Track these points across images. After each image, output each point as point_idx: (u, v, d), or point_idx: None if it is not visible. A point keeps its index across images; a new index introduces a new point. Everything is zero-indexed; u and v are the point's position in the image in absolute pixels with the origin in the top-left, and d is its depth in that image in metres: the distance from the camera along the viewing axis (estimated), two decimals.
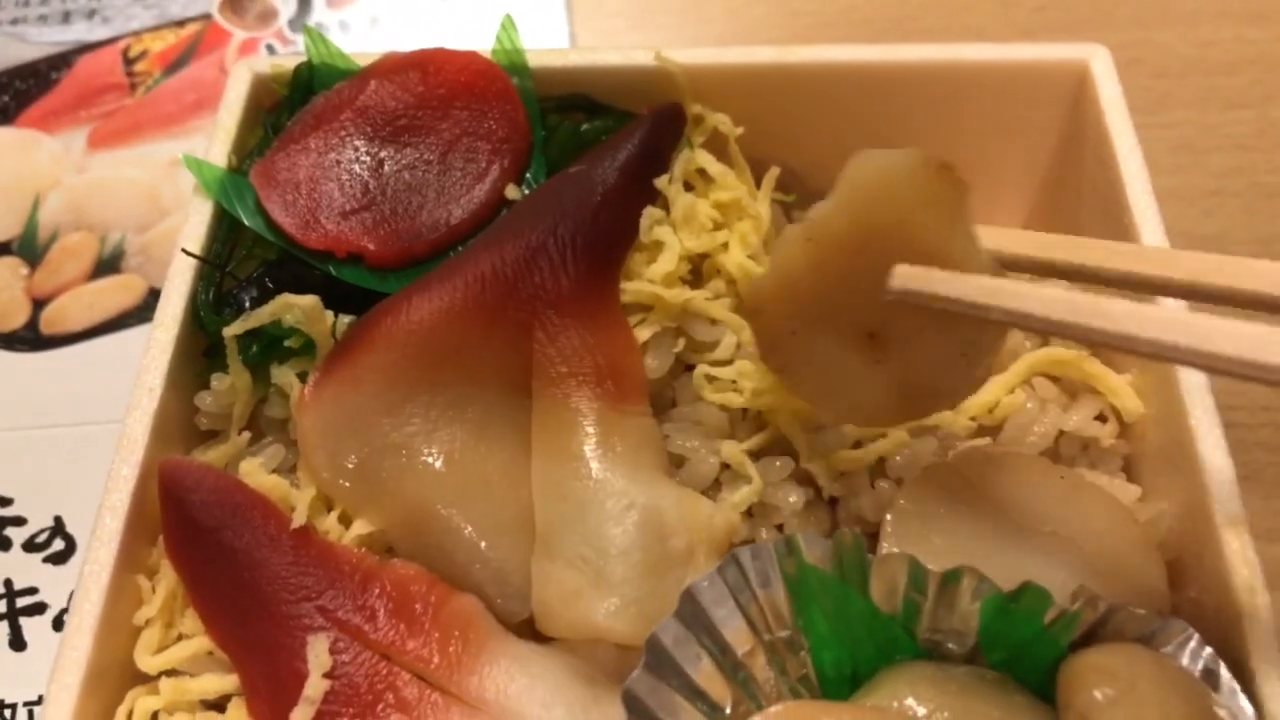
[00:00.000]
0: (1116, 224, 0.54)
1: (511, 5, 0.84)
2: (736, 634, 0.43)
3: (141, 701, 0.44)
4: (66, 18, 0.85)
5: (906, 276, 0.43)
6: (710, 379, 0.51)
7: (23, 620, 0.61)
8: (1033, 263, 0.45)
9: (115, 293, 0.73)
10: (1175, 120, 0.79)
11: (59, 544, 0.63)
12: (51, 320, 0.72)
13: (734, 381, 0.50)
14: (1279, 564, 0.60)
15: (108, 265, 0.74)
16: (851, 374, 0.46)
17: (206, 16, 0.85)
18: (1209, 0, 0.85)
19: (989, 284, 0.41)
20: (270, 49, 0.84)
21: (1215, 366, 0.34)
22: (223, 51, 0.84)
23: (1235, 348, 0.33)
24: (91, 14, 0.85)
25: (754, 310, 0.47)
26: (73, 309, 0.72)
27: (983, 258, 0.43)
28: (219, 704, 0.45)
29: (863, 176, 0.44)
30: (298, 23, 0.85)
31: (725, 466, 0.51)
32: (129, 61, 0.83)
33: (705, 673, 0.42)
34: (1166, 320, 0.35)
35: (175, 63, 0.83)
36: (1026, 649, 0.42)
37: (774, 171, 0.58)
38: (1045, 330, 0.45)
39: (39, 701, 0.57)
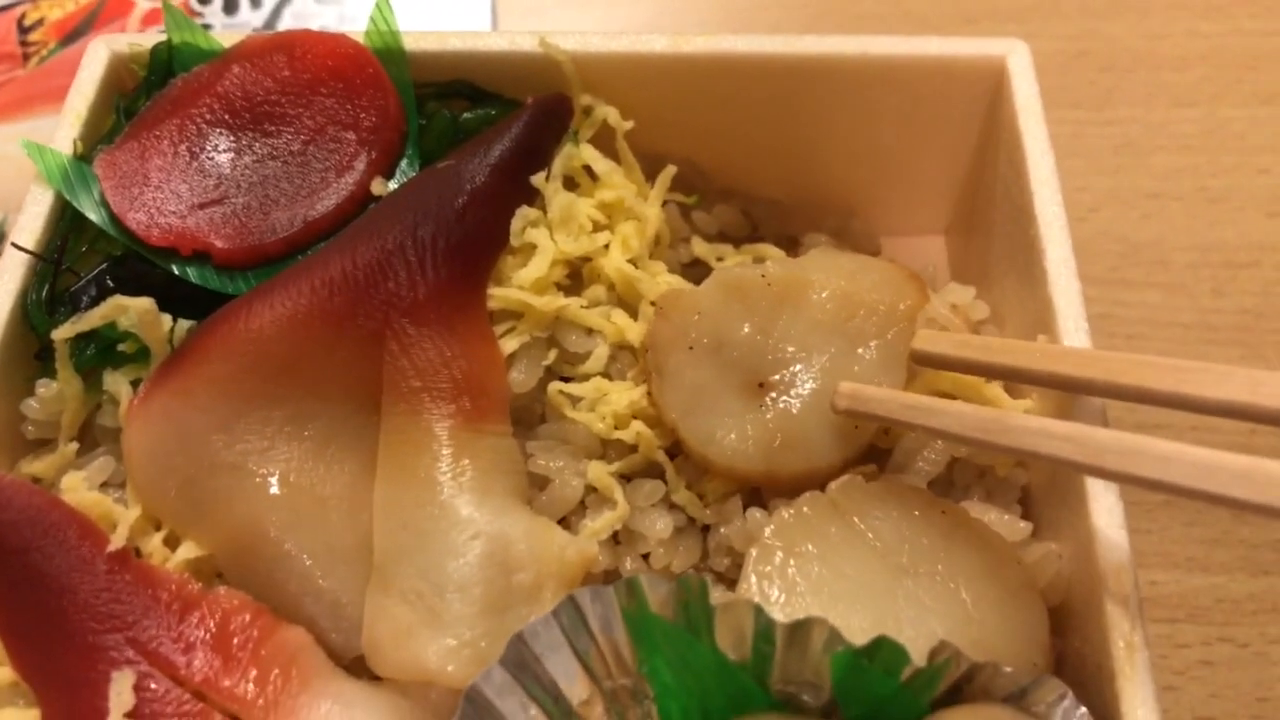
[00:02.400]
0: (1023, 234, 0.50)
1: None
2: (571, 681, 0.39)
3: None
4: None
5: (849, 397, 0.45)
6: (568, 396, 0.47)
7: None
8: (966, 364, 0.45)
9: None
10: (1120, 117, 0.75)
11: None
12: None
13: (594, 401, 0.47)
14: (1197, 594, 0.58)
15: None
16: (725, 408, 0.47)
17: None
18: None
19: (913, 401, 0.44)
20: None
21: (1108, 478, 0.40)
22: (125, 21, 0.80)
23: (1122, 464, 0.36)
24: None
25: (661, 312, 0.48)
26: None
27: (899, 372, 0.47)
28: None
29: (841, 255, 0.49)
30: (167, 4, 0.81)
31: (592, 490, 0.47)
32: (24, 30, 0.79)
33: None
34: (1066, 435, 0.38)
35: (73, 32, 0.79)
36: (884, 706, 0.39)
37: (669, 170, 0.54)
38: (964, 443, 0.45)
39: None
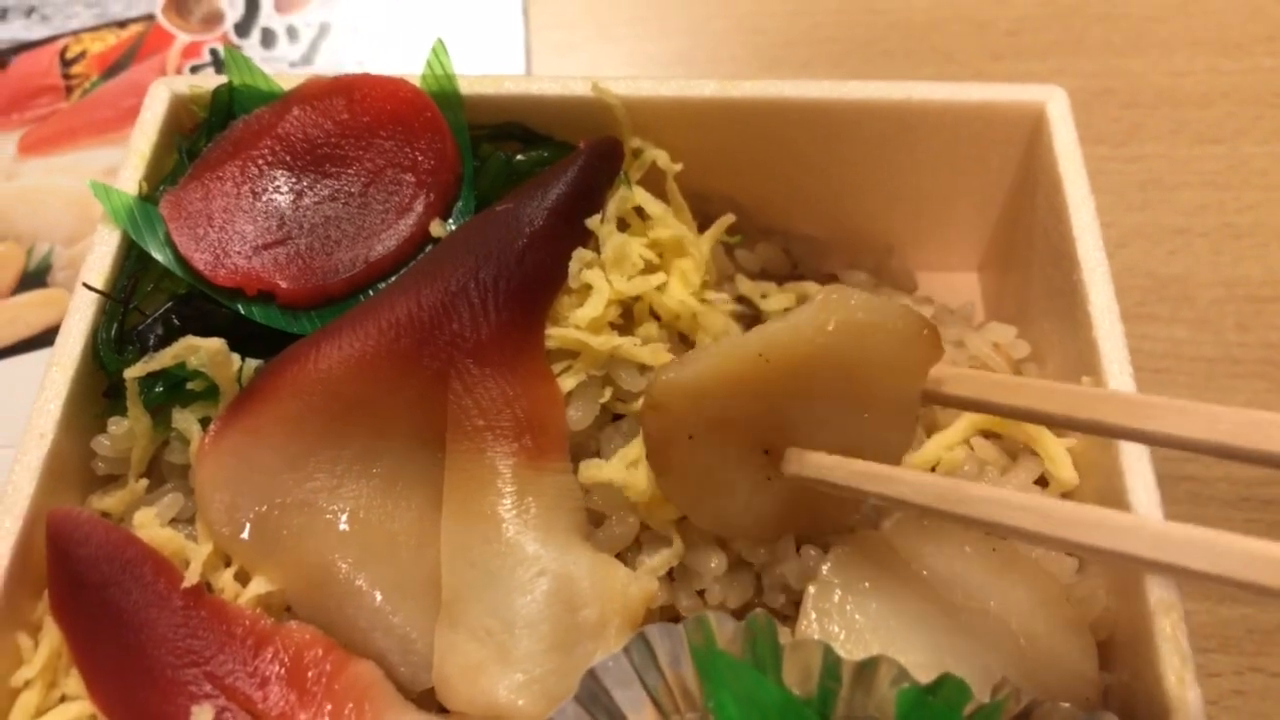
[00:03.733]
0: (1065, 277, 0.51)
1: (468, 17, 0.82)
2: (640, 715, 0.40)
3: None
4: (4, 14, 0.82)
5: (796, 464, 0.44)
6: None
7: None
8: (972, 403, 0.44)
9: (40, 308, 0.70)
10: (1145, 154, 0.77)
11: None
12: None
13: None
14: (1228, 625, 0.59)
15: (33, 279, 0.71)
16: (736, 490, 0.45)
17: (150, 17, 0.82)
18: (1183, 29, 0.82)
19: (863, 469, 0.42)
20: (214, 54, 0.81)
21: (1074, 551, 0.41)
22: (165, 55, 0.81)
23: (1087, 537, 0.35)
24: (30, 11, 0.82)
25: (655, 406, 0.44)
26: None
27: (910, 427, 0.45)
28: None
29: (842, 311, 0.42)
30: (245, 26, 0.83)
31: (646, 527, 0.49)
32: (66, 63, 0.80)
33: None
34: (1027, 507, 0.37)
35: (115, 65, 0.80)
36: None
37: (728, 217, 0.56)
38: (920, 511, 0.44)
39: None
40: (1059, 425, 0.44)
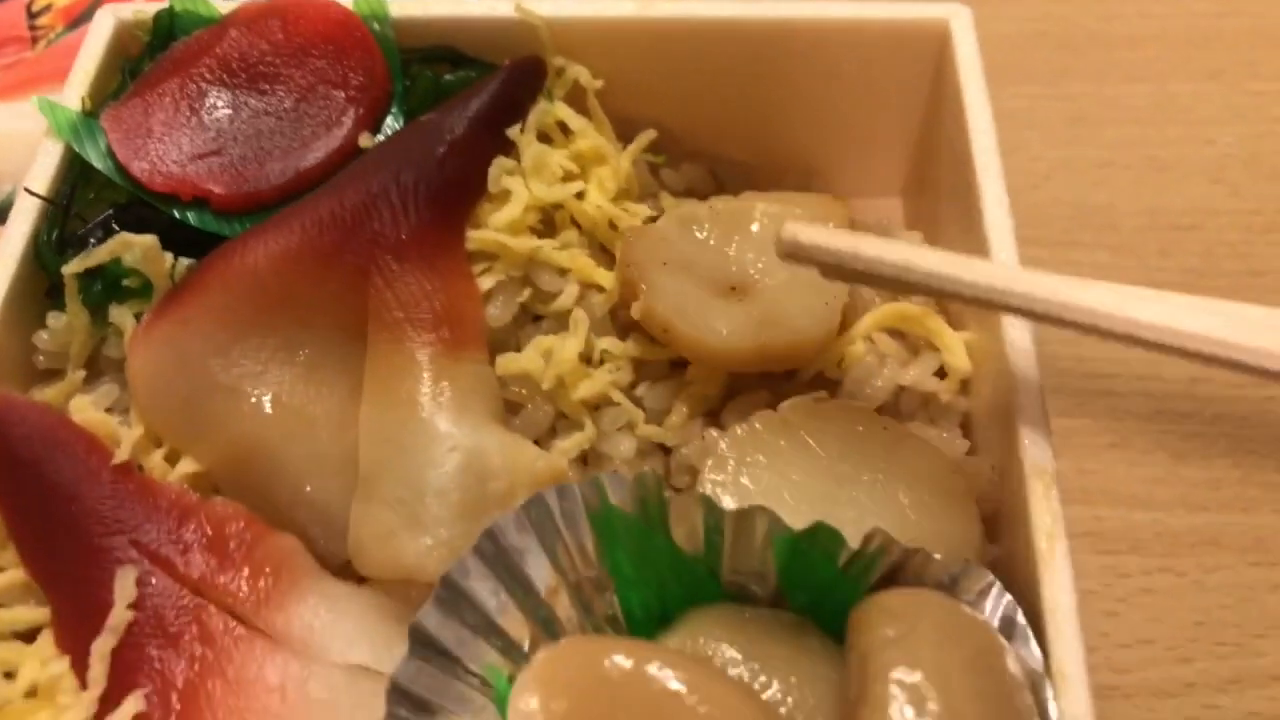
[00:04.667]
0: (964, 183, 0.54)
1: None
2: (539, 573, 0.43)
3: None
4: None
5: (792, 241, 0.45)
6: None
7: None
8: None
9: None
10: (1074, 93, 0.79)
11: None
12: None
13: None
14: (1139, 529, 0.62)
15: None
16: (711, 304, 0.51)
17: None
18: None
19: (853, 238, 0.44)
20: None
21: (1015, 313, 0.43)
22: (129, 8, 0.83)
23: (1028, 304, 0.41)
24: None
25: (632, 239, 0.52)
26: None
27: None
28: (29, 635, 0.45)
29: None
30: None
31: (562, 416, 0.51)
32: (32, 15, 0.83)
33: (503, 611, 0.42)
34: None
35: (79, 18, 0.83)
36: (827, 593, 0.42)
37: (649, 133, 0.58)
38: (888, 284, 0.47)
39: None
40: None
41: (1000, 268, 0.41)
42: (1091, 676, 0.56)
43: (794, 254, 0.45)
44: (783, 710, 0.39)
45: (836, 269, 0.44)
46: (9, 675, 0.43)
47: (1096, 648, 0.58)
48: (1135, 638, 0.58)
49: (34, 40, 0.82)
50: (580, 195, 0.55)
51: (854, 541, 0.41)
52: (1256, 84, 0.79)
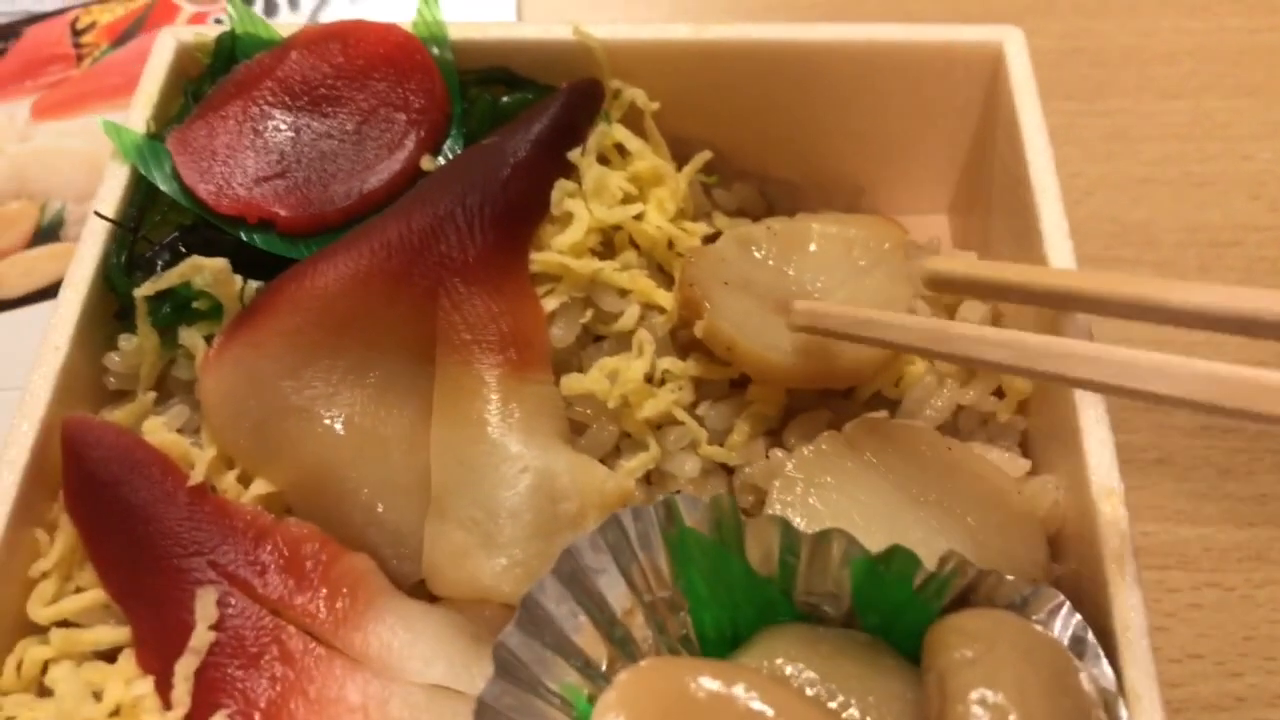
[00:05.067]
0: (1019, 201, 0.54)
1: None
2: (615, 593, 0.43)
3: (32, 651, 0.45)
4: None
5: (805, 315, 0.49)
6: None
7: None
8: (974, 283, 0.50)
9: (53, 260, 0.73)
10: (1111, 109, 0.80)
11: None
12: None
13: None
14: (1187, 544, 0.62)
15: (47, 233, 0.75)
16: (772, 322, 0.51)
17: None
18: None
19: (863, 315, 0.48)
20: (218, 23, 0.84)
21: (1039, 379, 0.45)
22: (171, 25, 0.84)
23: (1052, 366, 0.40)
24: None
25: (693, 259, 0.53)
26: (10, 275, 0.73)
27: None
28: (110, 655, 0.46)
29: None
30: None
31: (626, 435, 0.52)
32: (77, 33, 0.84)
33: (581, 630, 0.43)
34: (999, 341, 0.42)
35: (123, 35, 0.84)
36: (899, 613, 0.43)
37: (704, 155, 0.59)
38: (911, 351, 0.50)
39: None
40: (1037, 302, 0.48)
41: (1021, 335, 0.42)
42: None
43: (806, 329, 0.49)
44: None
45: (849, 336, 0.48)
46: (94, 696, 0.44)
47: None
48: (1184, 653, 0.59)
49: (79, 58, 0.82)
50: (639, 216, 0.55)
51: (927, 563, 0.41)
52: None
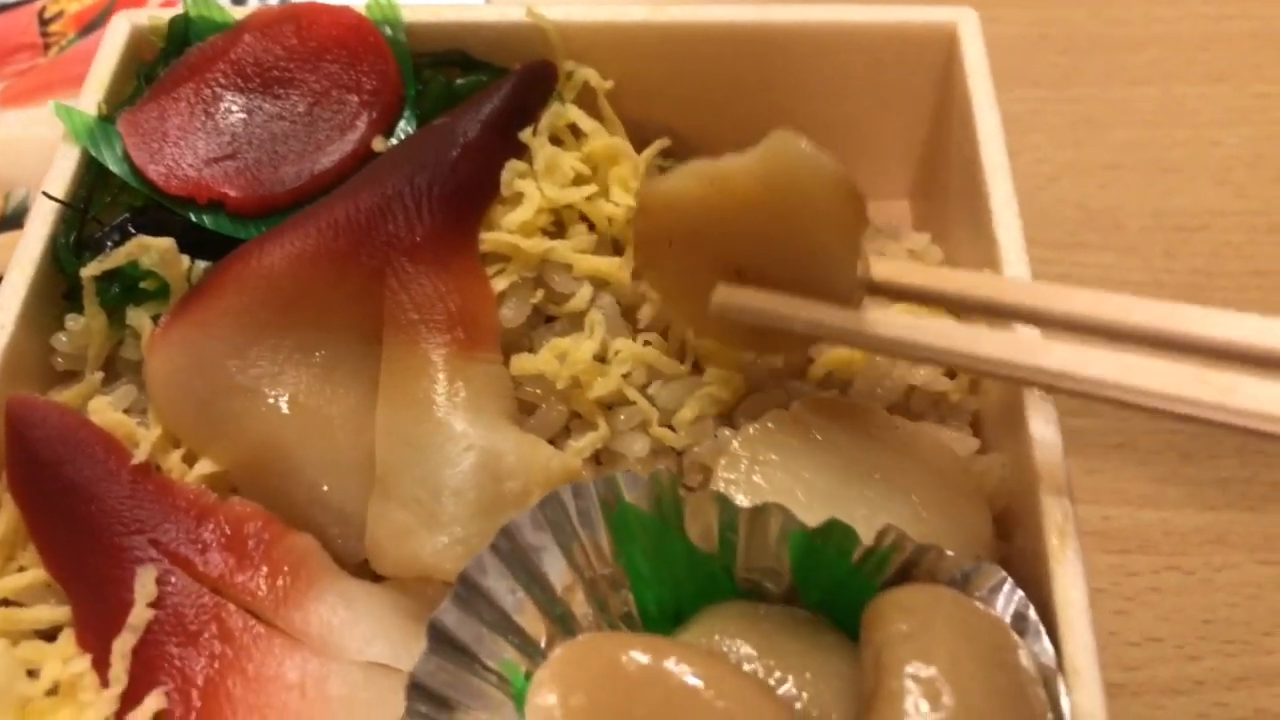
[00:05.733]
0: (973, 183, 0.54)
1: None
2: (556, 571, 0.43)
3: None
4: None
5: (722, 304, 0.48)
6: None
7: None
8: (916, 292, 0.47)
9: (15, 247, 0.73)
10: (1079, 96, 0.80)
11: None
12: None
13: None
14: (1148, 528, 0.62)
15: (11, 220, 0.74)
16: (713, 288, 0.48)
17: None
18: None
19: (781, 302, 0.46)
20: None
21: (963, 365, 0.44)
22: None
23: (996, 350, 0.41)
24: None
25: (641, 210, 0.49)
26: None
27: (855, 272, 0.46)
28: (51, 634, 0.46)
29: (786, 155, 0.45)
30: None
31: (576, 415, 0.52)
32: (44, 22, 0.84)
33: (520, 608, 0.42)
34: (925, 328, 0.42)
35: (90, 24, 0.84)
36: (839, 590, 0.43)
37: (663, 141, 0.59)
38: (828, 338, 0.49)
39: None
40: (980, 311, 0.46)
41: (939, 323, 0.43)
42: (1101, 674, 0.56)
43: (724, 313, 0.47)
44: (798, 705, 0.40)
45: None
46: (31, 674, 0.44)
47: (1105, 646, 0.57)
48: (1144, 636, 0.59)
49: (46, 47, 0.82)
50: (591, 198, 0.55)
51: (867, 538, 0.41)
52: (1261, 86, 0.79)
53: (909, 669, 0.37)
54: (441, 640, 0.40)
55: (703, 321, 0.50)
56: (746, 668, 0.41)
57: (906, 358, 0.50)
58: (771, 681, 0.41)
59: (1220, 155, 0.76)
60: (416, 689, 0.39)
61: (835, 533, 0.41)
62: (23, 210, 0.75)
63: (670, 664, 0.38)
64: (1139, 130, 0.77)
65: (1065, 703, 0.40)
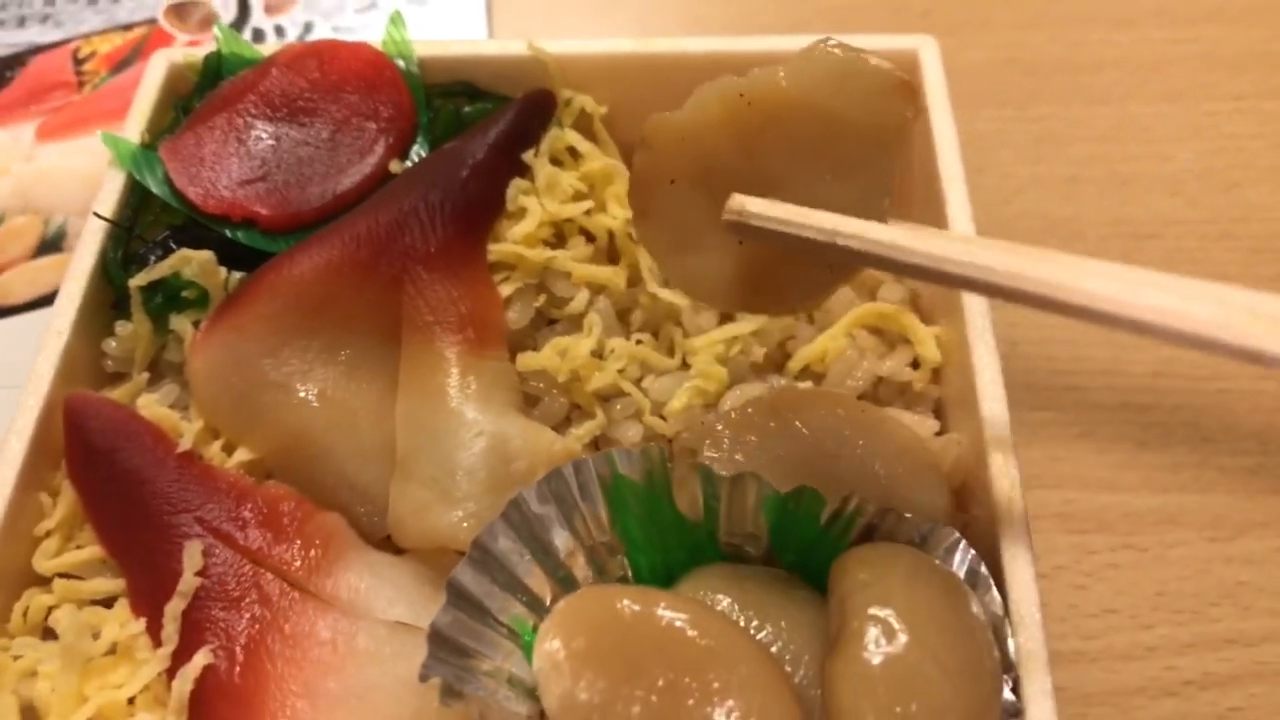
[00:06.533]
0: (933, 195, 0.60)
1: (435, 14, 0.92)
2: (559, 538, 0.48)
3: (37, 599, 0.50)
4: (22, 22, 0.92)
5: (736, 212, 0.44)
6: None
7: None
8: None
9: (56, 270, 0.79)
10: (1042, 114, 0.85)
11: None
12: None
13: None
14: (1106, 510, 0.67)
15: (50, 245, 0.80)
16: (709, 243, 0.47)
17: (152, 21, 0.92)
18: (1080, 6, 0.91)
19: (795, 211, 0.43)
20: None
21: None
22: None
23: (964, 270, 0.41)
24: (45, 19, 0.92)
25: (645, 143, 0.46)
26: (17, 284, 0.78)
27: (889, 183, 0.45)
28: (106, 604, 0.51)
29: (825, 59, 0.44)
30: (238, 27, 0.92)
31: (576, 407, 0.57)
32: (78, 62, 0.90)
33: (528, 570, 0.47)
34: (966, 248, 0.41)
35: (121, 63, 0.90)
36: (812, 551, 0.48)
37: None
38: (833, 251, 0.43)
39: None
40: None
41: (959, 240, 0.41)
42: (1062, 644, 0.61)
43: (740, 225, 0.43)
44: (774, 648, 0.45)
45: (787, 239, 0.42)
46: (94, 636, 0.49)
47: (1065, 618, 0.63)
48: (1101, 608, 0.63)
49: (80, 85, 0.89)
50: (588, 212, 0.61)
51: (834, 505, 0.46)
52: (1211, 104, 0.85)
53: (870, 610, 0.43)
54: (458, 596, 0.46)
55: (693, 277, 0.48)
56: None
57: (933, 278, 0.42)
58: (750, 629, 0.46)
59: (1172, 169, 0.81)
60: (437, 637, 0.44)
61: (805, 498, 0.46)
62: (61, 235, 0.81)
63: (660, 609, 0.43)
64: (1097, 145, 0.83)
65: (1011, 644, 0.45)
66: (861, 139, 0.44)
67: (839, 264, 0.46)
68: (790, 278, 0.47)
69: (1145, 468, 0.68)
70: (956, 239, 0.43)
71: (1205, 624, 0.62)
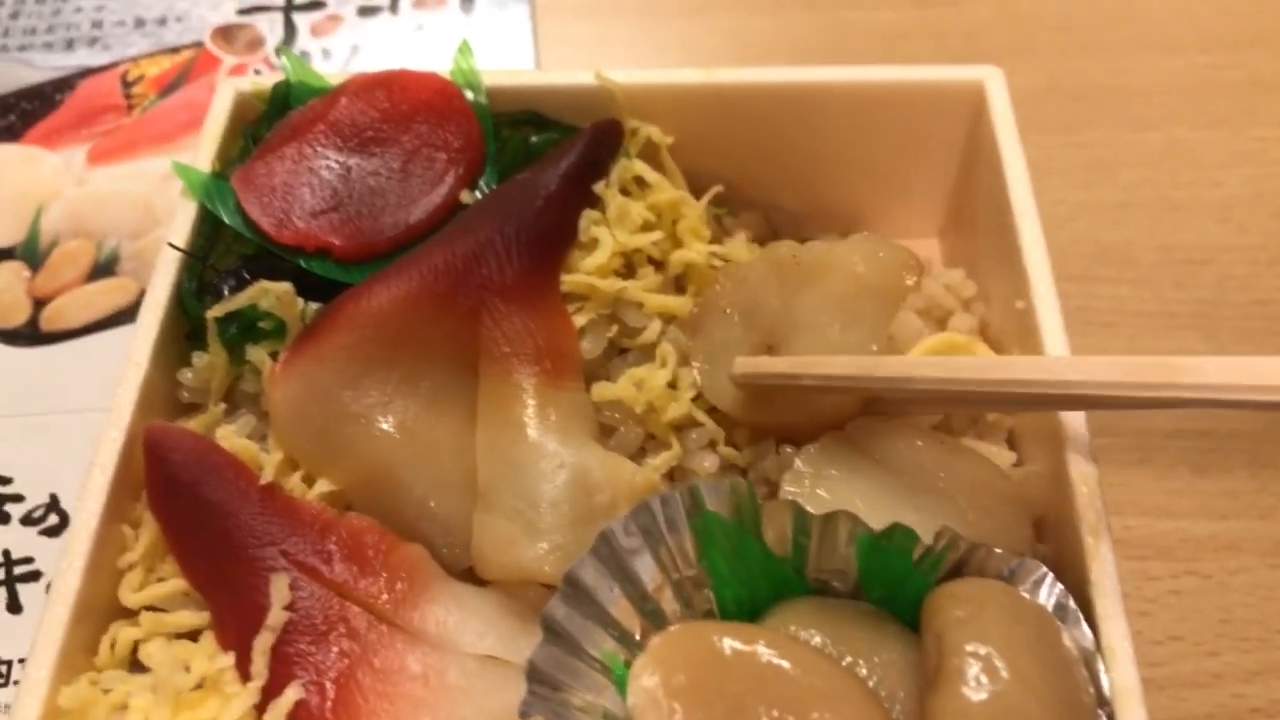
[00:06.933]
0: (1002, 224, 0.60)
1: (481, 35, 0.92)
2: (647, 572, 0.48)
3: (124, 632, 0.50)
4: (70, 45, 0.92)
5: (744, 370, 0.55)
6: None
7: (19, 586, 0.66)
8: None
9: (109, 294, 0.79)
10: (1090, 140, 0.86)
11: (53, 519, 0.69)
12: (51, 318, 0.78)
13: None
14: (1165, 536, 0.67)
15: (103, 269, 0.81)
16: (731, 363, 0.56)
17: (199, 44, 0.93)
18: (1125, 33, 0.92)
19: (800, 361, 0.54)
20: (257, 74, 0.91)
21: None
22: (213, 75, 0.91)
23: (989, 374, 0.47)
24: (93, 41, 0.93)
25: (718, 277, 0.58)
26: (70, 308, 0.79)
27: (873, 341, 0.56)
28: (192, 636, 0.51)
29: (865, 242, 0.59)
30: (284, 50, 0.92)
31: (651, 437, 0.57)
32: (127, 85, 0.90)
33: (617, 604, 0.48)
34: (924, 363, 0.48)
35: (169, 86, 0.90)
36: (900, 586, 0.48)
37: (717, 188, 0.65)
38: (847, 386, 0.53)
39: None
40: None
41: (951, 361, 0.50)
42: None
43: (746, 380, 0.54)
44: (870, 684, 0.45)
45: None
46: (184, 669, 0.49)
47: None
48: (1166, 635, 0.64)
49: (130, 108, 0.89)
50: (657, 242, 0.61)
51: (924, 540, 0.47)
52: (1258, 130, 0.85)
53: (968, 648, 0.43)
54: (552, 631, 0.46)
55: (715, 386, 0.56)
56: None
57: (917, 396, 0.53)
58: (845, 664, 0.46)
59: (1222, 195, 0.82)
60: (535, 672, 0.45)
61: (898, 535, 0.46)
62: (114, 259, 0.81)
63: (760, 647, 0.43)
64: (1146, 171, 0.84)
65: (1105, 679, 0.45)
66: (874, 298, 0.56)
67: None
68: (784, 401, 0.56)
69: (1202, 494, 0.69)
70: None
71: (1271, 650, 0.63)
